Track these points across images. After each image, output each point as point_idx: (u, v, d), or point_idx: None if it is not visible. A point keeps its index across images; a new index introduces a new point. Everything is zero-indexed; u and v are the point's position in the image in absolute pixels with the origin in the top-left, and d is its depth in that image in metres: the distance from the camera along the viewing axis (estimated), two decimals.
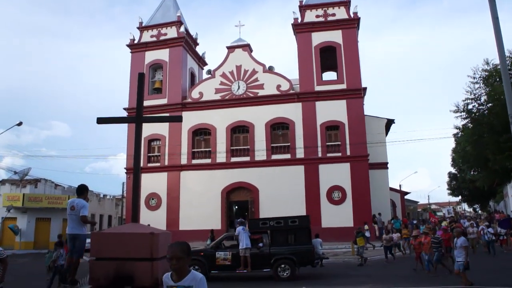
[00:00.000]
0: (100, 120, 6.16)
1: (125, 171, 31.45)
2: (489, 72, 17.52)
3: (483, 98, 18.32)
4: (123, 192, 39.42)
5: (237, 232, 14.44)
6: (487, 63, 17.97)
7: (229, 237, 15.55)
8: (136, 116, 5.94)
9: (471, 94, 18.43)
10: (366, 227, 23.83)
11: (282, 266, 13.75)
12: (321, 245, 16.90)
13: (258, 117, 29.83)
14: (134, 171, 5.99)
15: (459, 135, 21.59)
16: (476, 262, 17.09)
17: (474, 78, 17.89)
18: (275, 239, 14.35)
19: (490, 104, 17.01)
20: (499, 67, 17.11)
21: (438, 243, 13.61)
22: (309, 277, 14.30)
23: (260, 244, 14.38)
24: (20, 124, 25.40)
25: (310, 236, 14.60)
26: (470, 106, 18.42)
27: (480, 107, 18.42)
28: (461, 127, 20.01)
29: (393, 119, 32.83)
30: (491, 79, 17.36)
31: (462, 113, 18.68)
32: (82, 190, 8.05)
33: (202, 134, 31.16)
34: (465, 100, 18.54)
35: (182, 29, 32.85)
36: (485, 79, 17.47)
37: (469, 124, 19.08)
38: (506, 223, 17.82)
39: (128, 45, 33.36)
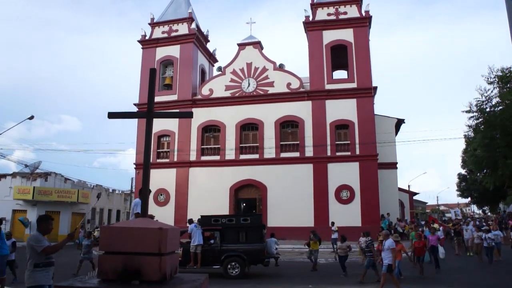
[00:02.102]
0: (111, 115, 6.16)
1: (135, 166, 31.58)
2: (505, 72, 17.23)
3: (494, 100, 18.03)
4: (132, 187, 39.62)
5: (190, 229, 14.70)
6: (493, 71, 17.67)
7: (182, 233, 15.66)
8: (147, 111, 5.94)
9: (482, 96, 18.14)
10: (335, 228, 23.10)
11: (232, 263, 13.82)
12: (276, 244, 16.71)
13: (268, 114, 29.80)
14: (144, 166, 5.99)
15: (470, 137, 21.24)
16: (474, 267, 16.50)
17: (489, 78, 17.60)
18: (227, 236, 14.39)
19: (506, 102, 16.69)
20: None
21: (369, 247, 13.20)
22: (260, 276, 14.38)
23: (211, 241, 14.55)
24: (31, 118, 25.55)
25: (262, 235, 14.57)
26: (482, 106, 18.10)
27: (492, 109, 18.11)
28: (473, 126, 19.63)
29: (403, 119, 32.61)
30: (505, 78, 17.08)
31: (475, 113, 18.39)
32: (141, 190, 8.63)
33: (211, 131, 31.20)
34: (477, 101, 18.24)
35: (193, 25, 32.91)
36: (501, 78, 17.18)
37: (481, 126, 18.75)
38: None
39: (139, 41, 33.50)
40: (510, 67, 17.40)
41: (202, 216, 15.45)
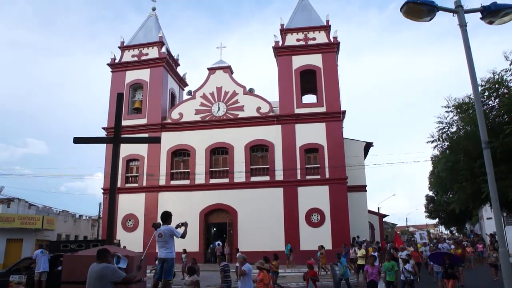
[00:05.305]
0: (77, 140, 6.06)
1: (102, 191, 30.92)
2: (460, 103, 17.87)
3: (455, 126, 18.51)
4: (99, 212, 38.68)
5: (35, 255, 14.26)
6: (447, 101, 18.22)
7: (27, 260, 15.24)
8: (114, 136, 5.89)
9: (443, 123, 18.63)
10: (240, 255, 20.70)
11: None
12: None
13: (238, 139, 29.87)
14: (110, 192, 5.90)
15: (437, 160, 21.68)
16: None
17: (448, 107, 18.21)
18: None
19: (467, 128, 17.17)
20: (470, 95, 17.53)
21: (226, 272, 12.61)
22: None
23: (59, 268, 13.59)
24: None
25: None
26: (444, 135, 18.55)
27: (454, 135, 18.56)
28: (439, 154, 20.01)
29: (372, 142, 33.25)
30: (463, 107, 17.67)
31: (439, 142, 18.84)
32: (166, 217, 9.01)
33: (181, 155, 30.99)
34: (438, 128, 18.71)
35: (163, 49, 32.95)
36: (457, 107, 17.79)
37: (446, 151, 19.15)
38: (439, 258, 13.63)
39: (109, 64, 33.25)
40: (468, 96, 17.99)
41: (50, 242, 14.98)
